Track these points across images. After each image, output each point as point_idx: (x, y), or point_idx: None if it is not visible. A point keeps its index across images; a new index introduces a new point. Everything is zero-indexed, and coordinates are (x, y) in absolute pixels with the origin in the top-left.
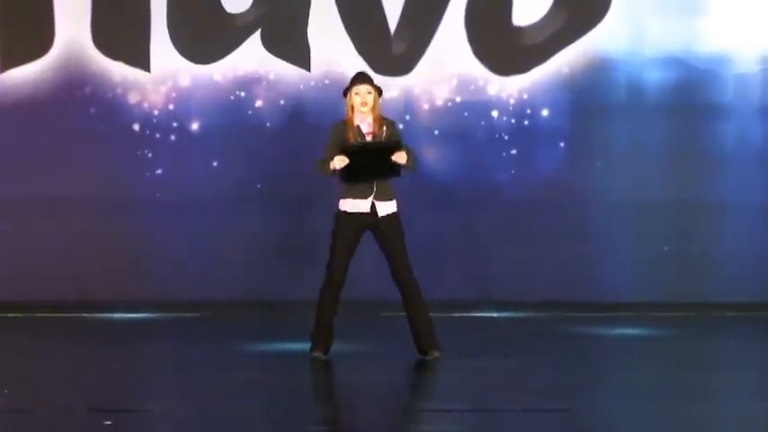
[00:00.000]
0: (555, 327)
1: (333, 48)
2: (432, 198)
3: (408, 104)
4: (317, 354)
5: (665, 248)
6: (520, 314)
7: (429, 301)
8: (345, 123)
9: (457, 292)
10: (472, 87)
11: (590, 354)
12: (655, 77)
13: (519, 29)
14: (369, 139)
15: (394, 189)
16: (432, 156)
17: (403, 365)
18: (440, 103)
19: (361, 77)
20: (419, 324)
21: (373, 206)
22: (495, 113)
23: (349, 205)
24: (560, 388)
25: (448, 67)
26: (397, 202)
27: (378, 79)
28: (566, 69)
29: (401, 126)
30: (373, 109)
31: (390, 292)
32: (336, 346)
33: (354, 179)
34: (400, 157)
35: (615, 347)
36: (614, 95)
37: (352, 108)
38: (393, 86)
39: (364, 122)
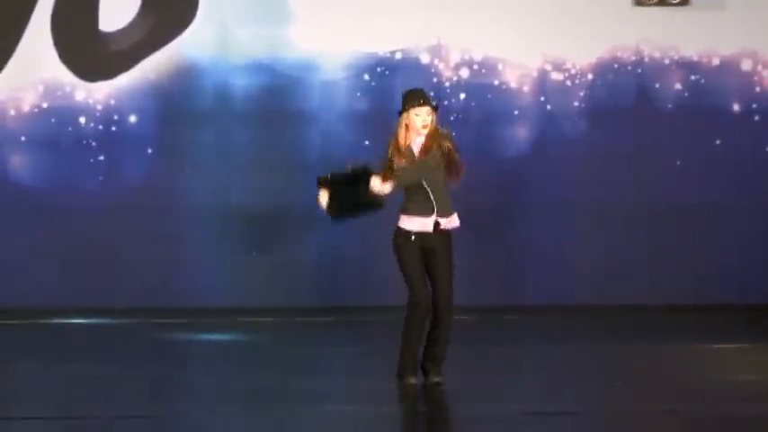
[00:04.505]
0: (143, 333)
1: None
2: (28, 205)
3: None
4: (411, 381)
5: (254, 254)
6: (106, 320)
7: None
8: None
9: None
10: (59, 93)
11: (176, 360)
12: (241, 84)
13: (105, 34)
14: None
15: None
16: (18, 163)
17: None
18: (26, 108)
19: (422, 97)
20: (436, 348)
21: (437, 224)
22: (82, 120)
23: (413, 224)
24: (148, 395)
25: (35, 73)
26: None
27: None
28: (152, 75)
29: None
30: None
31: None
32: None
33: (337, 214)
34: (375, 183)
35: (199, 353)
36: (201, 101)
37: (407, 127)
38: None
39: (416, 143)
